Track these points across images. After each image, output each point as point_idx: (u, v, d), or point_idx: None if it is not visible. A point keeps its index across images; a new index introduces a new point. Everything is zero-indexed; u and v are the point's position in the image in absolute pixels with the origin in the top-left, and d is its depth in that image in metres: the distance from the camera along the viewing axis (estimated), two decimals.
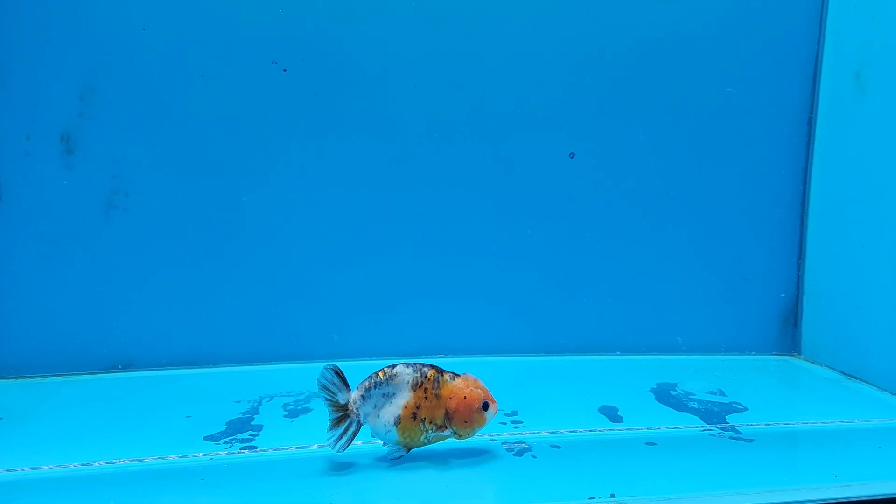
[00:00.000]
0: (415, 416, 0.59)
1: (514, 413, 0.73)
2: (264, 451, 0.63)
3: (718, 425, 0.71)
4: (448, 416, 0.60)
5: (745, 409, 0.76)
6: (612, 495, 0.55)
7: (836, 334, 0.92)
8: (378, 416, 0.59)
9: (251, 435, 0.66)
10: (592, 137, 0.95)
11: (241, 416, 0.72)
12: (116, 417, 0.72)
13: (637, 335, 0.99)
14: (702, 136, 0.96)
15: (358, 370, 0.87)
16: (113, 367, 0.86)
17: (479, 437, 0.66)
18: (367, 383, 0.60)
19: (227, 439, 0.65)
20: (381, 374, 0.60)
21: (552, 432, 0.68)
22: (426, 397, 0.59)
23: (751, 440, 0.67)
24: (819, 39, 0.95)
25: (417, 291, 0.93)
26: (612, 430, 0.69)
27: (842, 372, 0.90)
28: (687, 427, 0.70)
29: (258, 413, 0.72)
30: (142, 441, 0.65)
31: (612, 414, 0.74)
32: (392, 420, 0.59)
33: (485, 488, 0.57)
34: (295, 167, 0.89)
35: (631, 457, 0.62)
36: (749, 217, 0.99)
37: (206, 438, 0.65)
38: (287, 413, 0.73)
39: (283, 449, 0.63)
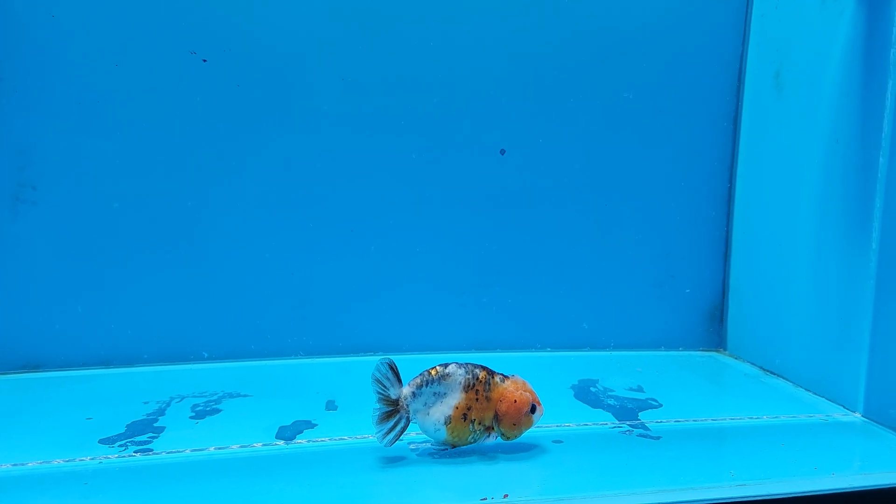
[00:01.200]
0: (465, 416, 0.59)
1: None
2: (158, 454, 0.60)
3: (629, 422, 0.70)
4: (497, 417, 0.60)
5: (660, 405, 0.75)
6: (506, 496, 0.53)
7: (757, 330, 0.92)
8: (428, 413, 0.59)
9: (150, 437, 0.64)
10: (522, 134, 0.94)
11: (145, 417, 0.69)
12: (13, 419, 0.68)
13: (565, 331, 0.98)
14: (630, 134, 0.96)
15: (284, 370, 0.87)
16: (23, 368, 0.83)
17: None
18: (418, 380, 0.59)
19: (123, 442, 0.62)
20: (433, 372, 0.59)
21: None
22: (477, 399, 0.59)
23: (658, 437, 0.66)
24: (744, 40, 0.95)
25: (341, 290, 0.90)
26: (541, 427, 0.67)
27: (762, 368, 0.90)
28: (598, 424, 0.69)
29: (164, 415, 0.69)
30: (31, 444, 0.61)
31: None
32: (442, 419, 0.59)
33: (378, 489, 0.55)
34: (214, 159, 0.86)
35: (533, 456, 0.61)
36: (676, 214, 0.98)
37: (101, 441, 0.62)
38: (194, 414, 0.70)
39: (178, 452, 0.60)
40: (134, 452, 0.60)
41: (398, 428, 0.59)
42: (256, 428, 0.66)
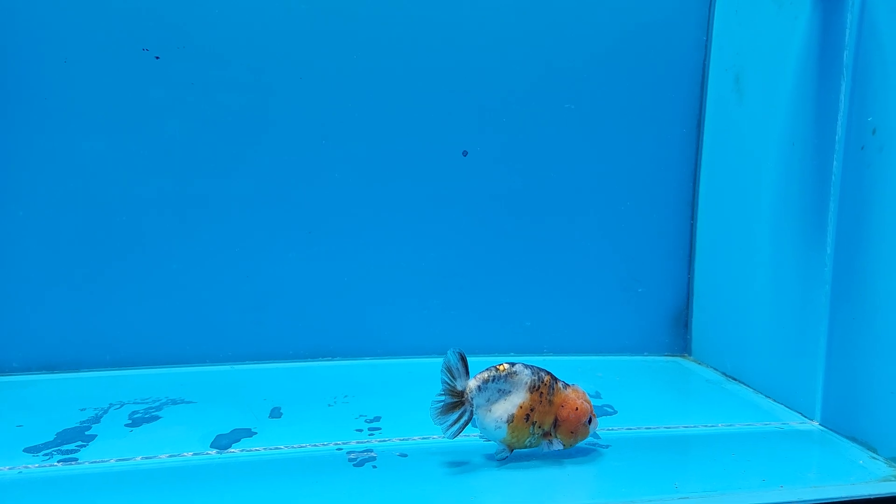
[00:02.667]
0: (527, 417, 0.57)
1: (377, 419, 0.68)
2: (81, 464, 0.57)
3: None
4: (556, 423, 0.58)
5: (615, 412, 0.72)
6: None
7: (720, 336, 0.90)
8: (490, 410, 0.57)
9: (78, 446, 0.60)
10: (485, 138, 0.91)
11: (78, 425, 0.65)
12: None
13: (530, 336, 0.95)
14: (595, 140, 0.93)
15: (236, 375, 0.84)
16: None
17: (325, 446, 0.61)
18: (485, 375, 0.57)
19: (49, 451, 0.59)
20: (500, 368, 0.58)
21: (404, 440, 0.63)
22: (541, 401, 0.57)
23: (607, 446, 0.63)
24: (706, 44, 0.92)
25: (297, 294, 0.87)
26: (468, 436, 0.64)
27: (724, 374, 0.87)
28: None
29: (98, 422, 0.66)
30: None
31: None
32: (505, 417, 0.57)
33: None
34: (165, 159, 0.82)
35: (474, 468, 0.58)
36: (641, 219, 0.95)
37: (26, 450, 0.59)
38: (130, 422, 0.66)
39: (103, 461, 0.57)
40: (57, 462, 0.56)
41: (462, 420, 0.56)
42: (192, 436, 0.63)
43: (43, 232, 0.80)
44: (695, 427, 0.69)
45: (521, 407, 0.57)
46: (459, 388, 0.57)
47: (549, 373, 0.59)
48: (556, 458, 0.60)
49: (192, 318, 0.84)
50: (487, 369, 0.58)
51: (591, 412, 0.59)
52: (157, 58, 0.82)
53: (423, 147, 0.89)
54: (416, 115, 0.89)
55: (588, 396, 0.60)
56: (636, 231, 0.96)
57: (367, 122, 0.87)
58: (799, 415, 0.72)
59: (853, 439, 0.65)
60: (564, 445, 0.59)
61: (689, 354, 0.97)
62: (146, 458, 0.58)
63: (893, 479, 0.58)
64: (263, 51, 0.84)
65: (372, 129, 0.88)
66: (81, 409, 0.69)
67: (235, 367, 0.84)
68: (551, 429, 0.58)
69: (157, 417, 0.68)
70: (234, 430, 0.65)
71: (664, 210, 0.96)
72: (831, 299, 0.68)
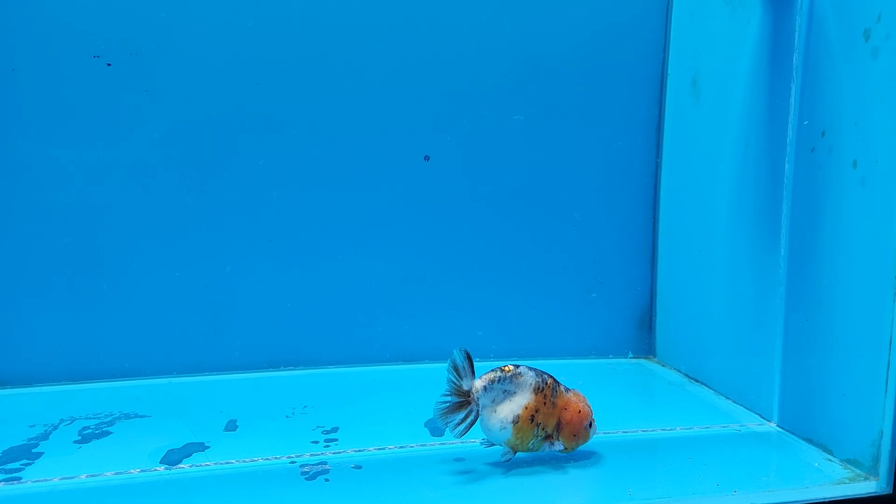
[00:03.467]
0: (532, 418, 0.57)
1: (334, 430, 0.67)
2: (24, 483, 0.55)
3: None
4: (559, 426, 0.58)
5: None
6: None
7: (682, 338, 0.89)
8: (495, 410, 0.57)
9: (23, 464, 0.58)
10: (447, 141, 0.90)
11: (25, 442, 0.63)
12: None
13: (493, 340, 0.94)
14: (557, 141, 0.92)
15: (193, 387, 0.82)
16: None
17: (277, 459, 0.60)
18: (492, 375, 0.57)
19: None
20: (506, 369, 0.57)
21: (359, 451, 0.62)
22: (545, 403, 0.57)
23: (563, 449, 0.62)
24: (664, 47, 0.92)
25: (256, 303, 0.85)
26: (425, 445, 0.63)
27: (687, 375, 0.87)
28: None
29: (47, 439, 0.64)
30: None
31: (435, 428, 0.68)
32: (511, 418, 0.56)
33: None
34: (121, 168, 0.80)
35: (426, 476, 0.57)
36: (604, 221, 0.95)
37: None
38: (80, 438, 0.64)
39: (46, 480, 0.55)
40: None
41: (469, 420, 0.56)
42: (142, 452, 0.61)
43: None
44: (653, 431, 0.68)
45: (526, 408, 0.57)
46: (465, 387, 0.57)
47: (551, 375, 0.59)
48: (505, 466, 0.59)
49: (148, 329, 0.82)
50: (493, 370, 0.58)
51: (591, 416, 0.60)
52: (109, 65, 0.80)
53: (383, 153, 0.88)
54: (377, 120, 0.87)
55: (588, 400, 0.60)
56: (599, 234, 0.95)
57: (326, 128, 0.86)
58: (757, 416, 0.72)
59: (810, 441, 0.65)
60: (565, 448, 0.59)
61: (654, 356, 0.96)
62: (91, 475, 0.56)
63: (847, 481, 0.58)
64: (219, 58, 0.82)
65: (332, 134, 0.86)
66: (30, 426, 0.67)
67: (194, 378, 0.82)
68: (554, 431, 0.58)
69: (108, 433, 0.66)
70: (187, 444, 0.63)
71: (626, 212, 0.96)
72: (786, 301, 0.68)
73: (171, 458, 0.60)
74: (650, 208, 0.96)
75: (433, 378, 0.86)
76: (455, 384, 0.56)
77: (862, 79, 0.59)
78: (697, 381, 0.85)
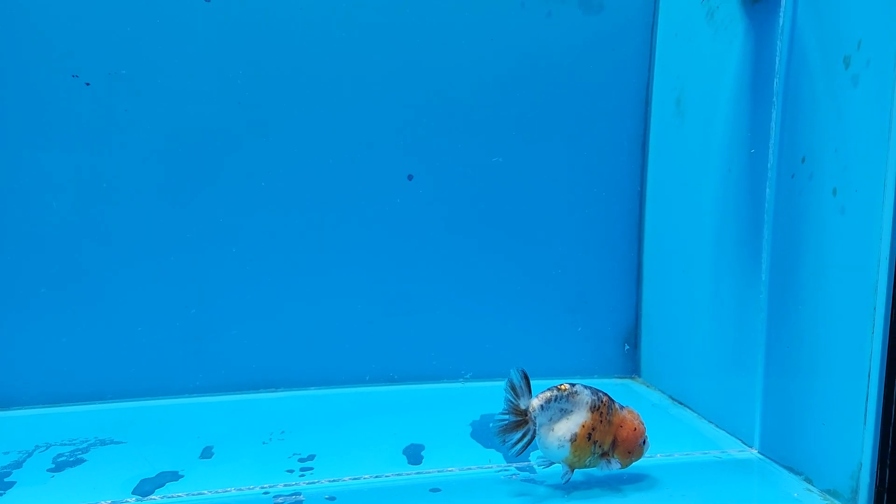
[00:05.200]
0: (589, 436, 0.57)
1: (311, 457, 0.66)
2: None
3: (518, 464, 0.65)
4: (614, 443, 0.58)
5: None
6: None
7: (667, 359, 0.88)
8: (552, 429, 0.57)
9: None
10: (431, 160, 0.89)
11: None
12: None
13: (479, 360, 0.93)
14: (543, 162, 0.91)
15: (172, 410, 0.80)
16: None
17: (251, 490, 0.59)
18: (548, 394, 0.57)
19: None
20: (563, 388, 0.58)
21: (333, 481, 0.61)
22: (601, 421, 0.58)
23: (542, 482, 0.61)
24: (649, 67, 0.91)
25: (238, 324, 0.84)
26: (401, 474, 0.62)
27: (671, 397, 0.86)
28: (482, 468, 0.64)
29: (20, 467, 0.63)
30: None
31: (414, 454, 0.67)
32: (568, 436, 0.57)
33: None
34: (102, 185, 0.79)
35: None
36: (589, 240, 0.94)
37: None
38: (54, 466, 0.63)
39: None
40: None
41: (526, 439, 0.57)
42: (116, 481, 0.60)
43: None
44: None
45: (583, 426, 0.57)
46: (522, 406, 0.57)
47: (606, 394, 0.59)
48: (500, 500, 0.58)
49: (128, 351, 0.81)
50: (549, 389, 0.58)
51: (645, 433, 0.60)
52: (88, 84, 0.79)
53: (367, 173, 0.87)
54: (361, 139, 0.86)
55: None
56: (585, 253, 0.94)
57: (309, 148, 0.85)
58: (739, 441, 0.71)
59: (791, 469, 0.64)
60: (622, 465, 0.59)
61: (639, 376, 0.95)
62: None
63: None
64: (200, 79, 0.81)
65: (315, 154, 0.85)
66: (5, 453, 0.66)
67: (173, 400, 0.80)
68: (609, 448, 0.58)
69: (83, 461, 0.64)
70: (161, 473, 0.62)
71: (612, 232, 0.95)
72: (767, 327, 0.67)
73: (144, 489, 0.58)
74: (635, 228, 0.95)
75: (415, 400, 0.86)
76: (512, 403, 0.57)
77: (842, 106, 0.58)
78: (681, 403, 0.84)
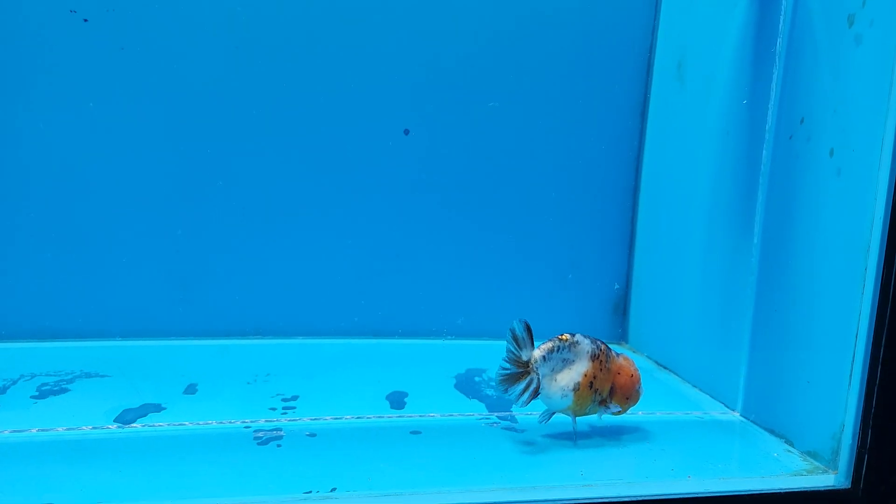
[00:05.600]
0: (591, 385, 0.58)
1: (294, 398, 0.66)
2: None
3: (499, 414, 0.65)
4: (612, 390, 0.59)
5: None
6: (333, 489, 0.48)
7: (654, 325, 0.88)
8: (555, 379, 0.57)
9: None
10: (426, 119, 0.87)
11: None
12: None
13: (465, 320, 0.92)
14: (538, 126, 0.90)
15: (159, 351, 0.80)
16: None
17: (232, 424, 0.59)
18: (549, 345, 0.58)
19: None
20: (563, 338, 0.58)
21: (315, 419, 0.61)
22: (601, 369, 0.59)
23: (523, 430, 0.61)
24: (653, 30, 0.90)
25: (228, 271, 0.83)
26: (382, 416, 0.62)
27: (657, 362, 0.86)
28: (464, 415, 0.64)
29: (4, 393, 0.63)
30: None
31: (397, 400, 0.67)
32: (571, 386, 0.57)
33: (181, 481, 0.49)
34: (92, 129, 0.78)
35: (379, 447, 0.55)
36: (582, 205, 0.92)
37: None
38: (38, 394, 0.63)
39: None
40: None
41: (531, 389, 0.57)
42: (98, 410, 0.60)
43: None
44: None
45: (585, 375, 0.58)
46: (525, 357, 0.57)
47: (603, 342, 0.60)
48: (482, 443, 0.58)
49: (117, 292, 0.80)
50: (551, 340, 0.58)
51: (640, 379, 0.61)
52: (86, 20, 0.77)
53: (362, 128, 0.86)
54: (357, 95, 0.85)
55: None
56: (578, 218, 0.93)
57: (302, 99, 0.83)
58: (721, 405, 0.71)
59: (772, 431, 0.64)
60: (620, 410, 0.60)
61: (626, 343, 0.95)
62: (42, 430, 0.55)
63: (805, 473, 0.57)
64: (195, 18, 0.80)
65: (308, 106, 0.84)
66: None
67: (160, 342, 0.80)
68: (608, 395, 0.59)
69: (67, 390, 0.64)
70: (144, 405, 0.62)
71: (606, 196, 0.94)
72: (756, 290, 0.66)
73: (126, 418, 0.58)
74: (630, 193, 0.94)
75: (402, 353, 0.86)
76: (514, 354, 0.57)
77: (843, 66, 0.57)
78: (666, 367, 0.84)
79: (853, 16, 0.56)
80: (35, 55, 0.77)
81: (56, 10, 0.77)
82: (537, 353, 0.57)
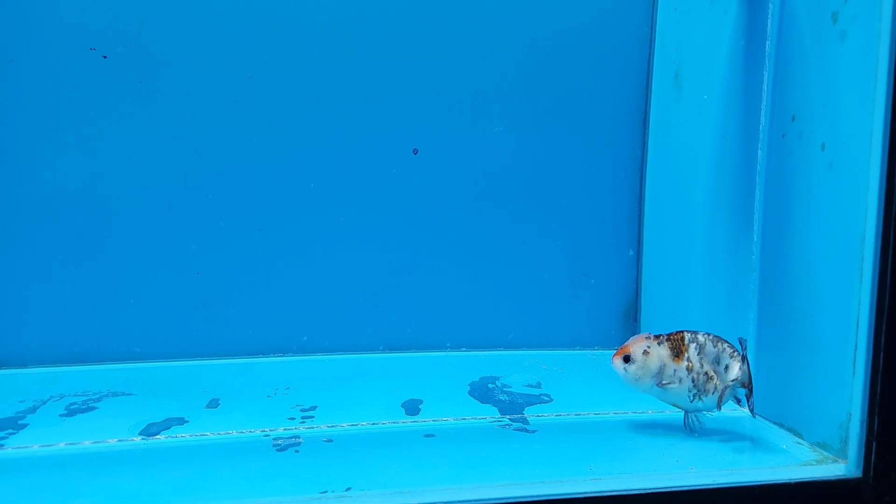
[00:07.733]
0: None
1: (313, 408, 0.67)
2: (4, 449, 0.55)
3: (511, 416, 0.66)
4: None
5: (551, 400, 0.71)
6: (349, 488, 0.49)
7: (663, 329, 0.88)
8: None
9: (7, 433, 0.59)
10: (434, 134, 0.90)
11: (14, 415, 0.64)
12: None
13: (479, 331, 0.93)
14: (544, 135, 0.92)
15: (182, 371, 0.82)
16: None
17: (251, 433, 0.60)
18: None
19: None
20: (697, 338, 0.62)
21: (332, 426, 0.62)
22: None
23: (534, 431, 0.62)
24: (650, 41, 0.92)
25: (247, 291, 0.85)
26: (397, 422, 0.63)
27: None
28: (478, 419, 0.65)
29: (34, 412, 0.65)
30: None
31: (412, 407, 0.68)
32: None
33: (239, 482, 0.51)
34: (116, 155, 0.81)
35: (393, 450, 0.56)
36: (590, 213, 0.94)
37: None
38: (66, 412, 0.65)
39: (26, 447, 0.56)
40: None
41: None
42: (124, 425, 0.61)
43: None
44: (625, 413, 0.67)
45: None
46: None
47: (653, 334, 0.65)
48: (494, 443, 0.58)
49: (141, 316, 0.83)
50: (685, 344, 0.63)
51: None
52: (105, 57, 0.81)
53: (374, 146, 0.88)
54: (367, 112, 0.87)
55: (643, 338, 0.65)
56: (585, 225, 0.94)
57: (317, 118, 0.86)
58: (731, 401, 0.71)
59: (781, 425, 0.64)
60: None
61: None
62: (70, 443, 0.56)
63: (815, 463, 0.57)
64: (210, 50, 0.83)
65: (323, 125, 0.86)
66: (20, 402, 0.68)
67: (183, 363, 0.82)
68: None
69: (94, 408, 0.66)
70: (167, 418, 0.63)
71: (613, 205, 0.95)
72: (759, 286, 0.67)
73: (150, 431, 0.60)
74: (636, 201, 0.95)
75: (417, 365, 0.87)
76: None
77: (830, 62, 0.58)
78: None
79: (837, 13, 0.57)
80: (58, 87, 0.80)
81: (77, 47, 0.81)
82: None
